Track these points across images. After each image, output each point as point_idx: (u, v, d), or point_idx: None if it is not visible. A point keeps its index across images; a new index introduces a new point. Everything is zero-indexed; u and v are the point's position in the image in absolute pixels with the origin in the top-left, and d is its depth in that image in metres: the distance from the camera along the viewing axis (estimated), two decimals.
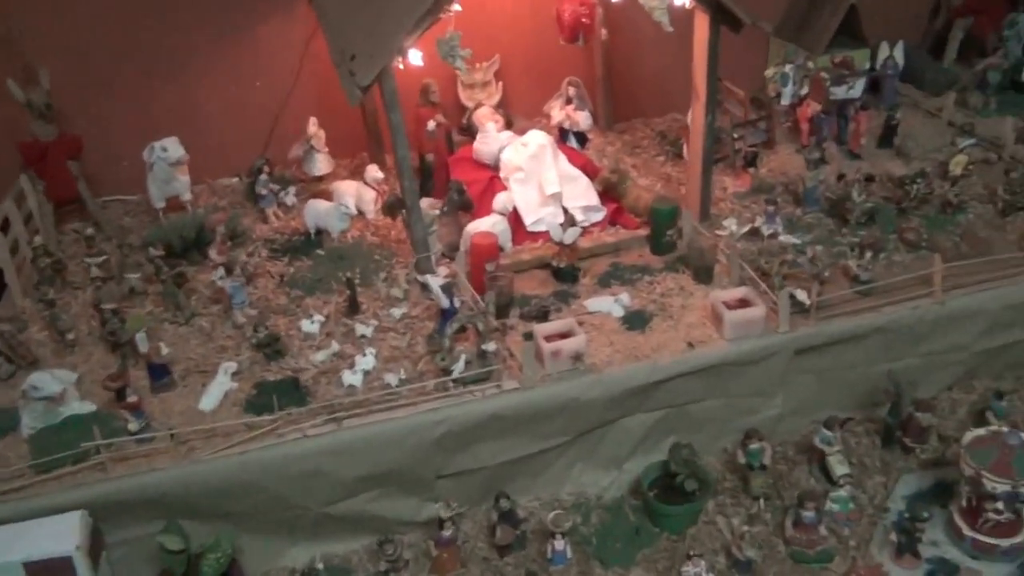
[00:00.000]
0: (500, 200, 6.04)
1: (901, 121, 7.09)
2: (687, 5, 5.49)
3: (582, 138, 6.96)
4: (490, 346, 4.98)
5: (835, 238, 6.02)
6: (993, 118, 7.39)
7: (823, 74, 6.67)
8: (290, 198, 6.61)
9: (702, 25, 5.63)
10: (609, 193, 6.40)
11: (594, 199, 6.31)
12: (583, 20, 5.53)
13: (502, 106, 7.21)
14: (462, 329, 5.08)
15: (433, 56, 5.14)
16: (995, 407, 5.44)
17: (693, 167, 6.16)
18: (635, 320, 5.38)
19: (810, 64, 7.02)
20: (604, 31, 7.04)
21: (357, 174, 7.02)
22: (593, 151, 7.25)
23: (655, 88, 7.66)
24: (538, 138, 6.36)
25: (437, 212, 6.11)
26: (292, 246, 6.26)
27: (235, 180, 7.01)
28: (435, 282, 5.26)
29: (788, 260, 5.47)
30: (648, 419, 5.29)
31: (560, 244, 5.72)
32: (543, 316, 5.42)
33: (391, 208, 5.89)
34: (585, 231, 6.19)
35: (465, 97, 7.11)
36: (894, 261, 5.77)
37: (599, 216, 6.30)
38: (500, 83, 7.19)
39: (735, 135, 6.84)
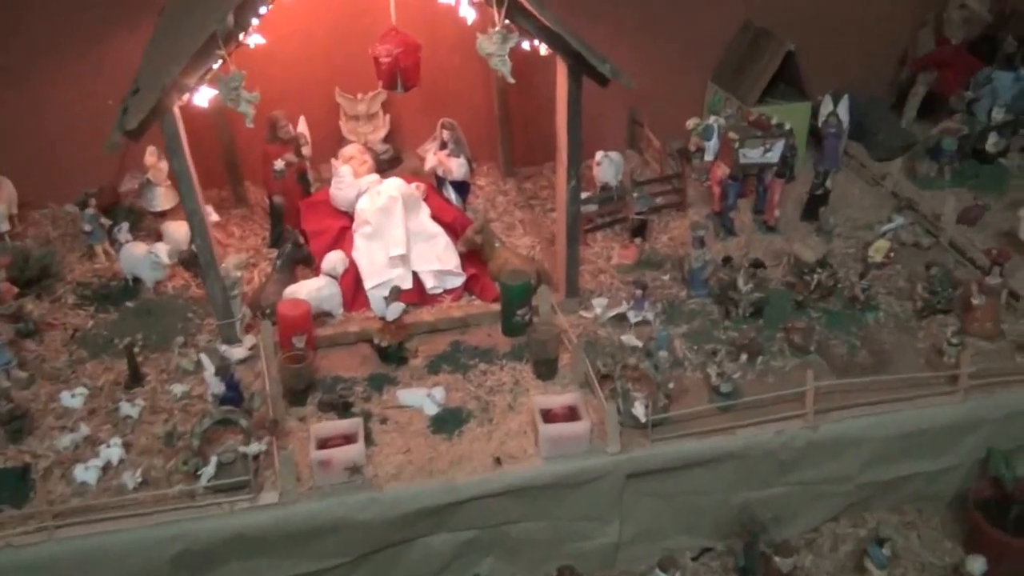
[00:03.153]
0: (330, 260, 5.26)
1: (832, 190, 6.16)
2: (542, 52, 4.64)
3: (463, 187, 6.13)
4: (251, 448, 4.20)
5: (715, 332, 5.13)
6: (947, 189, 6.44)
7: (731, 134, 5.76)
8: (124, 235, 5.85)
9: (563, 76, 4.79)
10: (476, 256, 5.59)
11: (453, 262, 5.49)
12: (401, 64, 4.66)
13: (391, 141, 6.43)
14: (226, 422, 4.30)
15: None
16: (874, 555, 4.54)
17: (559, 237, 5.32)
18: (447, 421, 4.57)
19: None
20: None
21: (219, 209, 6.29)
22: (483, 200, 6.45)
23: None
24: (390, 188, 5.57)
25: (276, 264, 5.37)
26: (106, 293, 5.52)
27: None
28: (209, 361, 4.48)
29: (633, 362, 4.58)
30: (455, 539, 4.48)
31: (382, 320, 4.92)
32: (343, 408, 4.63)
33: (187, 264, 5.13)
34: (435, 300, 5.41)
35: (347, 131, 6.32)
36: (773, 368, 4.86)
37: (456, 283, 5.49)
38: (388, 116, 6.40)
39: (635, 193, 5.97)
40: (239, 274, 5.00)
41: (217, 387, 4.44)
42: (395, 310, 4.89)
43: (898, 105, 7.21)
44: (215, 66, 4.26)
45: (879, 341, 5.02)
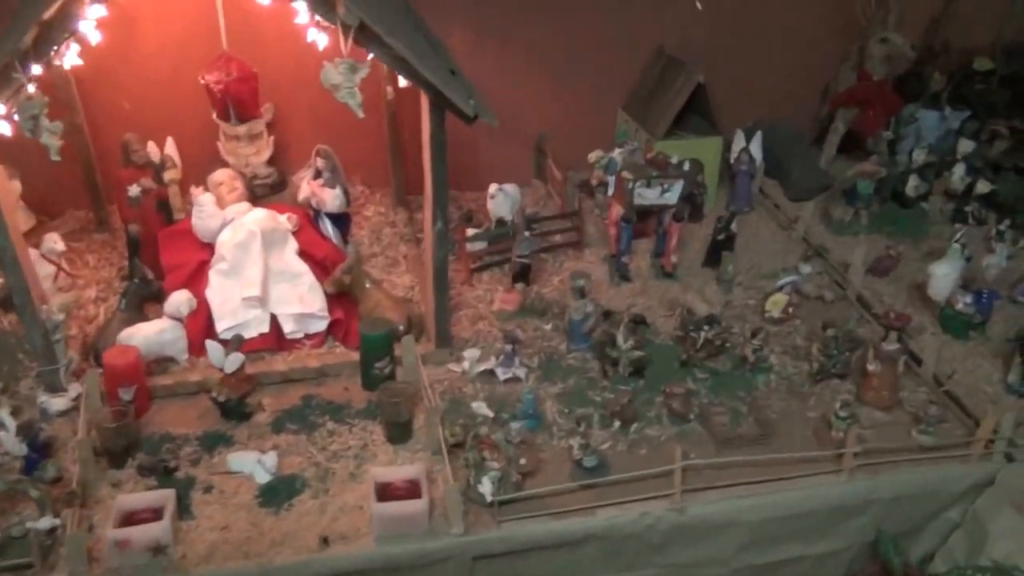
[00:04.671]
0: (173, 301, 4.77)
1: (737, 233, 5.76)
2: (400, 84, 4.21)
3: (343, 219, 5.66)
4: (42, 522, 3.71)
5: (591, 393, 4.71)
6: (863, 235, 6.07)
7: (625, 173, 5.34)
8: None
9: (426, 111, 4.35)
10: (348, 297, 5.14)
11: (317, 304, 5.04)
12: (232, 93, 4.19)
13: (275, 164, 5.95)
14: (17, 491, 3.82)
15: None
16: None
17: (426, 282, 4.87)
18: (278, 492, 4.10)
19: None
20: (390, 88, 5.79)
21: (79, 234, 5.82)
22: (369, 232, 5.99)
23: (477, 154, 6.40)
24: (250, 221, 5.10)
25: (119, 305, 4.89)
26: None
27: None
28: (10, 420, 4.00)
29: (485, 432, 4.14)
30: None
31: (221, 371, 4.45)
32: (164, 473, 4.15)
33: (2, 303, 4.65)
34: (293, 345, 4.95)
35: (227, 152, 5.80)
36: (648, 438, 4.44)
37: (319, 327, 5.03)
38: (272, 137, 5.92)
39: (526, 232, 5.54)
40: (62, 316, 4.50)
41: (18, 449, 3.96)
42: (234, 361, 4.43)
43: (819, 142, 6.82)
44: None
45: (768, 408, 4.61)
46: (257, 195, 5.78)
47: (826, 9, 6.52)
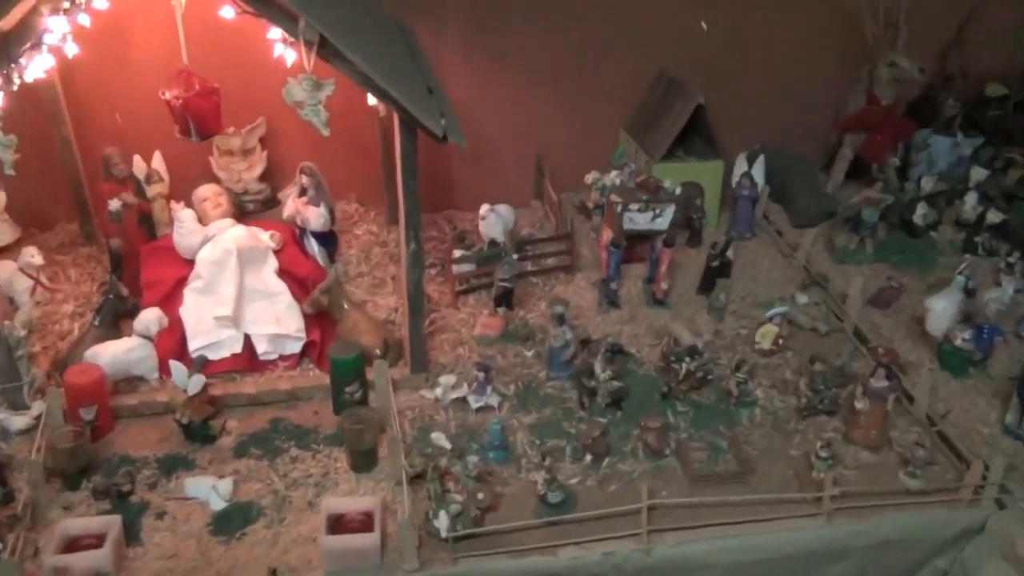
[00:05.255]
0: (143, 319, 4.69)
1: (734, 260, 5.58)
2: (382, 107, 4.11)
3: (328, 238, 5.57)
4: None
5: (566, 424, 4.54)
6: (867, 264, 5.85)
7: (614, 197, 5.18)
8: None
9: (398, 129, 4.23)
10: (327, 317, 5.04)
11: (293, 325, 4.94)
12: (192, 109, 4.10)
13: (268, 180, 5.90)
14: None
15: None
16: None
17: (404, 305, 4.75)
18: (231, 520, 3.99)
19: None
20: (382, 105, 5.67)
21: (67, 247, 5.79)
22: (357, 252, 5.88)
23: (476, 172, 6.31)
24: (228, 238, 5.03)
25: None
26: None
27: None
28: None
29: (444, 464, 4.00)
30: None
31: (184, 392, 4.36)
32: (118, 497, 4.06)
33: None
34: (266, 367, 4.85)
35: (219, 167, 5.79)
36: (619, 473, 4.27)
37: (293, 349, 4.92)
38: (266, 152, 5.87)
39: (514, 254, 5.40)
40: (23, 333, 4.44)
41: None
42: (196, 383, 4.34)
43: (829, 167, 6.61)
44: None
45: (749, 445, 4.41)
46: (249, 211, 5.75)
47: (835, 32, 6.32)
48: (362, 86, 4.01)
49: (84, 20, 4.08)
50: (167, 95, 4.16)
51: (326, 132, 3.98)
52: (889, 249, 5.95)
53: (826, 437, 4.28)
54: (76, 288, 5.41)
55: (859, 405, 4.37)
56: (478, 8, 5.91)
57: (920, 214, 5.99)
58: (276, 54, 4.08)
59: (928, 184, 5.99)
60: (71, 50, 4.30)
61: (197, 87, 4.10)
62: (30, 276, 5.16)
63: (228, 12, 3.99)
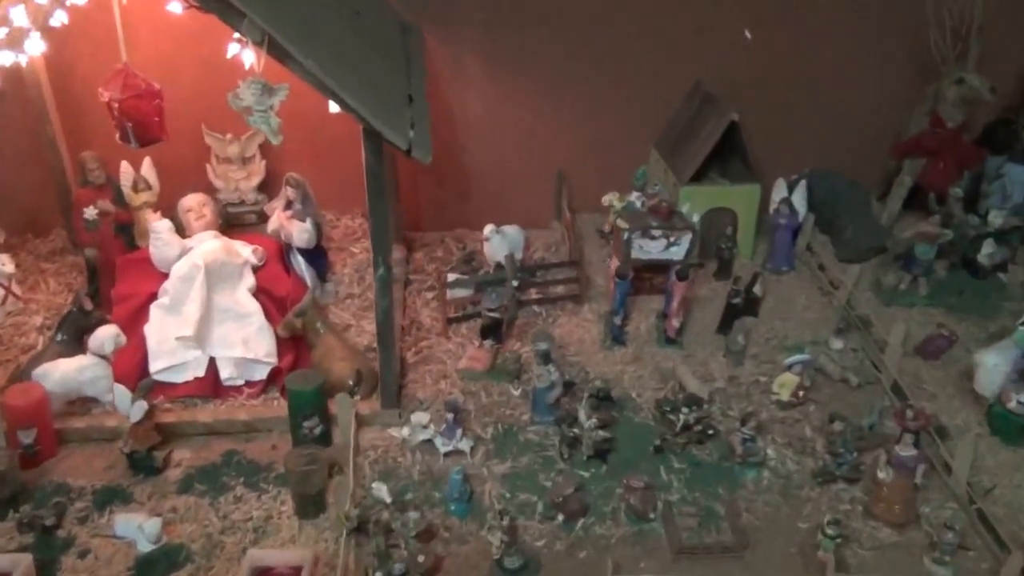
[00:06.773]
0: (98, 337, 4.38)
1: (762, 297, 5.00)
2: (331, 110, 3.68)
3: (318, 254, 5.18)
4: None
5: (542, 476, 4.04)
6: (919, 307, 5.18)
7: (620, 223, 4.66)
8: None
9: (365, 147, 3.81)
10: (303, 342, 4.66)
11: (263, 350, 4.57)
12: (129, 113, 3.73)
13: (266, 190, 5.57)
14: None
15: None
16: None
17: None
18: (156, 564, 3.64)
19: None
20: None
21: (57, 254, 5.55)
22: (351, 271, 5.48)
23: (495, 190, 5.86)
24: (196, 254, 4.68)
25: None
26: None
27: None
28: None
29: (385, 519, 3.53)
30: None
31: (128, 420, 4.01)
32: (43, 531, 3.73)
33: None
34: (229, 393, 4.48)
35: (216, 175, 5.50)
36: (594, 537, 3.74)
37: (260, 375, 4.55)
38: (264, 161, 5.55)
39: (514, 281, 4.94)
40: None
41: None
42: (139, 410, 3.99)
43: (885, 196, 5.93)
44: None
45: (750, 513, 3.83)
46: (248, 224, 5.43)
47: (897, 46, 5.65)
48: (322, 93, 3.59)
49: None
50: (105, 96, 3.80)
51: (276, 141, 3.59)
52: (945, 291, 5.27)
53: (841, 510, 3.66)
54: (50, 299, 5.15)
55: (881, 475, 3.75)
56: (498, 11, 5.47)
57: (986, 253, 5.30)
58: (229, 55, 3.69)
59: (997, 219, 5.30)
60: (37, 48, 4.02)
61: (133, 89, 3.73)
62: (0, 285, 4.90)
63: (176, 8, 3.61)
